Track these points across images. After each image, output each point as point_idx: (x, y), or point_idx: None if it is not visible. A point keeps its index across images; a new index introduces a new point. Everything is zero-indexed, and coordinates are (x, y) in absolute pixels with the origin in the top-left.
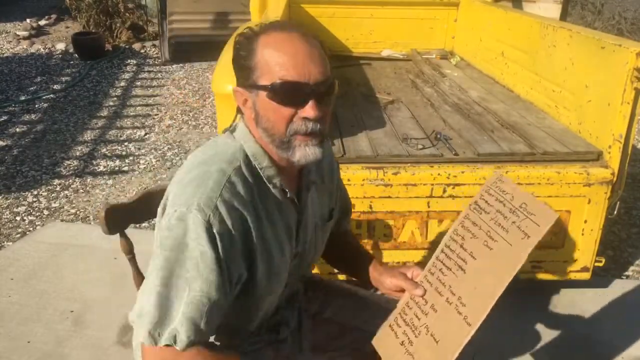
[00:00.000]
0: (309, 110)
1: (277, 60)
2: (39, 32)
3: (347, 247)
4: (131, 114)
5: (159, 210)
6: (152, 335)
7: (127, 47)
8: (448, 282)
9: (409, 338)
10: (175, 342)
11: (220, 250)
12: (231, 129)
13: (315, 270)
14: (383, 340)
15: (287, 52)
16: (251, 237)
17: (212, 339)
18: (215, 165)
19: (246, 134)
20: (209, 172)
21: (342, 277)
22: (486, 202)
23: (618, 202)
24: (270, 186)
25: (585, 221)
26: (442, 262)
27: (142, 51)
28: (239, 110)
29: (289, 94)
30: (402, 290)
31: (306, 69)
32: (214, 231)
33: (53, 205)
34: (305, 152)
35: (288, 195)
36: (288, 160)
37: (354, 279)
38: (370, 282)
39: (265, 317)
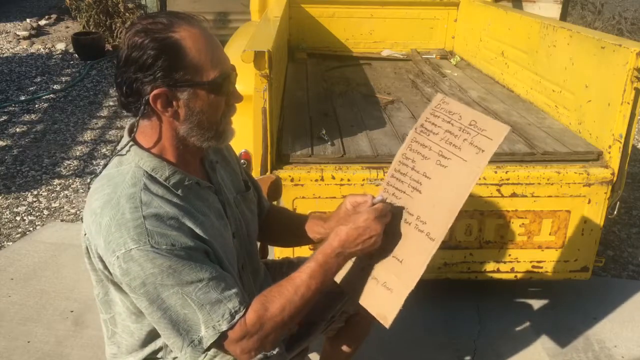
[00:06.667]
0: (238, 95)
1: (209, 56)
2: (39, 32)
3: (284, 219)
4: None
5: (85, 253)
6: (193, 343)
7: None
8: (403, 205)
9: (369, 264)
10: (225, 327)
11: (180, 251)
12: (121, 154)
13: None
14: (343, 273)
15: (212, 46)
16: (196, 228)
17: None
18: (121, 197)
19: (139, 152)
20: (118, 205)
21: None
22: (432, 123)
23: (618, 202)
24: (179, 191)
25: (585, 221)
26: (393, 186)
27: None
28: (132, 138)
29: (227, 84)
30: None
31: (227, 59)
32: (164, 247)
33: (53, 205)
34: (231, 131)
35: (202, 185)
36: (208, 148)
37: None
38: (321, 233)
39: None
